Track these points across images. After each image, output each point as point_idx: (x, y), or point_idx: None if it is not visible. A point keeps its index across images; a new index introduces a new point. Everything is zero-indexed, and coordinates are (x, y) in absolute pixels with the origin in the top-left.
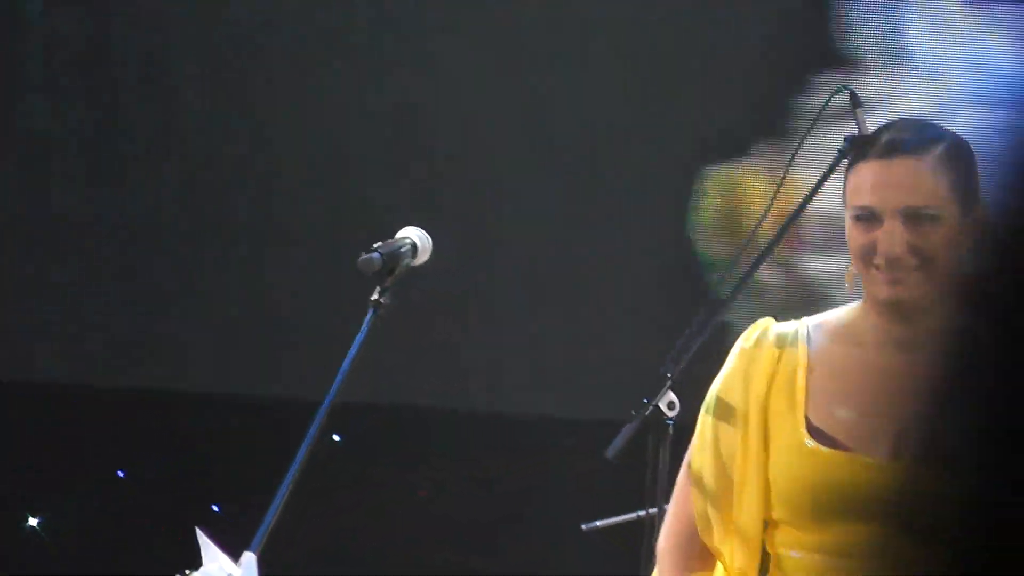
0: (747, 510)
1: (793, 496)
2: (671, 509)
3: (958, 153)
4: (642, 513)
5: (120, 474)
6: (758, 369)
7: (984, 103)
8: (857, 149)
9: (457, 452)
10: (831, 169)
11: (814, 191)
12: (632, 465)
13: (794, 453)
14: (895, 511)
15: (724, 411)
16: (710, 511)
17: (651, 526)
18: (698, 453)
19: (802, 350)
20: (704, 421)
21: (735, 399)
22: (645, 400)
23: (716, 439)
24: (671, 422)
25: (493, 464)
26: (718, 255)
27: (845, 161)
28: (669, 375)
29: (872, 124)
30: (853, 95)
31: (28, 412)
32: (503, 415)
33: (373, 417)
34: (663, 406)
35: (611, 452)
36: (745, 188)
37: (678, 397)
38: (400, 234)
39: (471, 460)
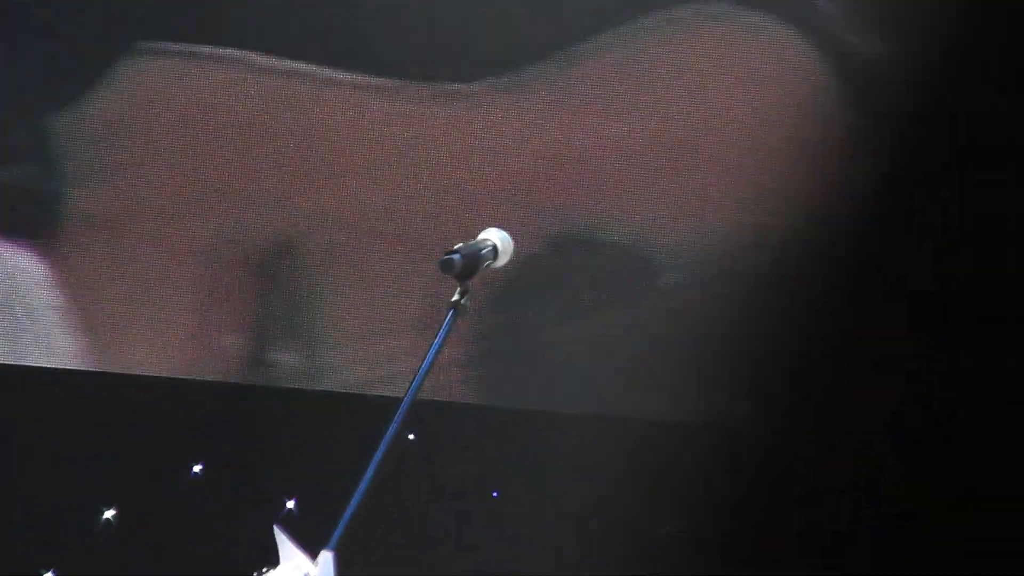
0: None
1: None
2: None
3: None
4: None
5: (196, 469)
6: None
7: None
8: None
9: (521, 453)
10: None
11: None
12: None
13: None
14: None
15: None
16: None
17: None
18: None
19: None
20: None
21: None
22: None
23: None
24: None
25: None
26: None
27: None
28: None
29: None
30: None
31: (105, 403)
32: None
33: (447, 416)
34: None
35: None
36: None
37: None
38: (481, 236)
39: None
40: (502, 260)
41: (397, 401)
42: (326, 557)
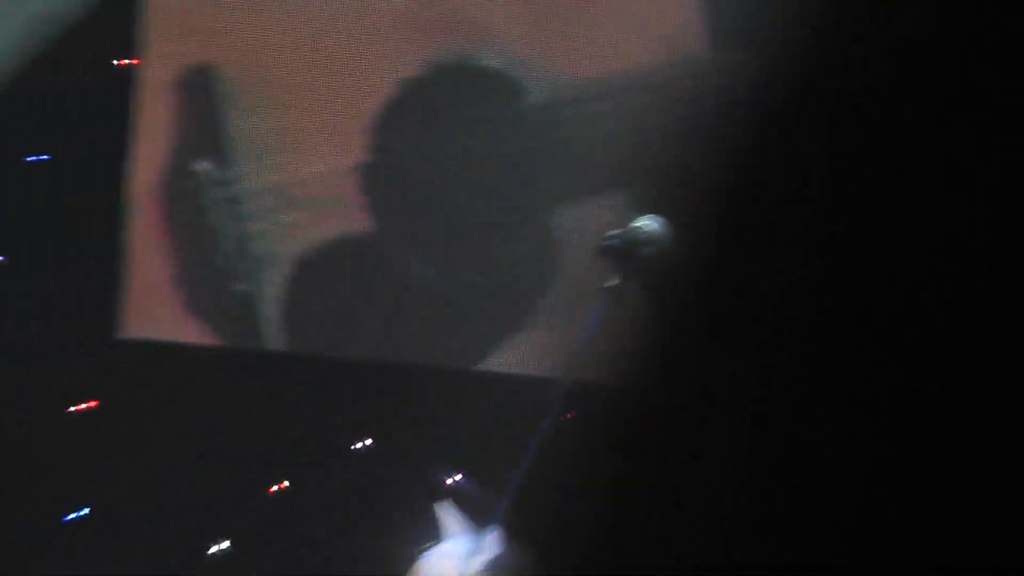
0: None
1: None
2: None
3: None
4: None
5: (363, 444)
6: None
7: None
8: None
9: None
10: None
11: None
12: None
13: None
14: None
15: None
16: None
17: None
18: None
19: None
20: None
21: None
22: None
23: None
24: None
25: None
26: None
27: None
28: None
29: None
30: None
31: (266, 381)
32: None
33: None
34: None
35: None
36: None
37: None
38: (637, 222)
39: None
40: (656, 246)
41: (543, 381)
42: (492, 534)
